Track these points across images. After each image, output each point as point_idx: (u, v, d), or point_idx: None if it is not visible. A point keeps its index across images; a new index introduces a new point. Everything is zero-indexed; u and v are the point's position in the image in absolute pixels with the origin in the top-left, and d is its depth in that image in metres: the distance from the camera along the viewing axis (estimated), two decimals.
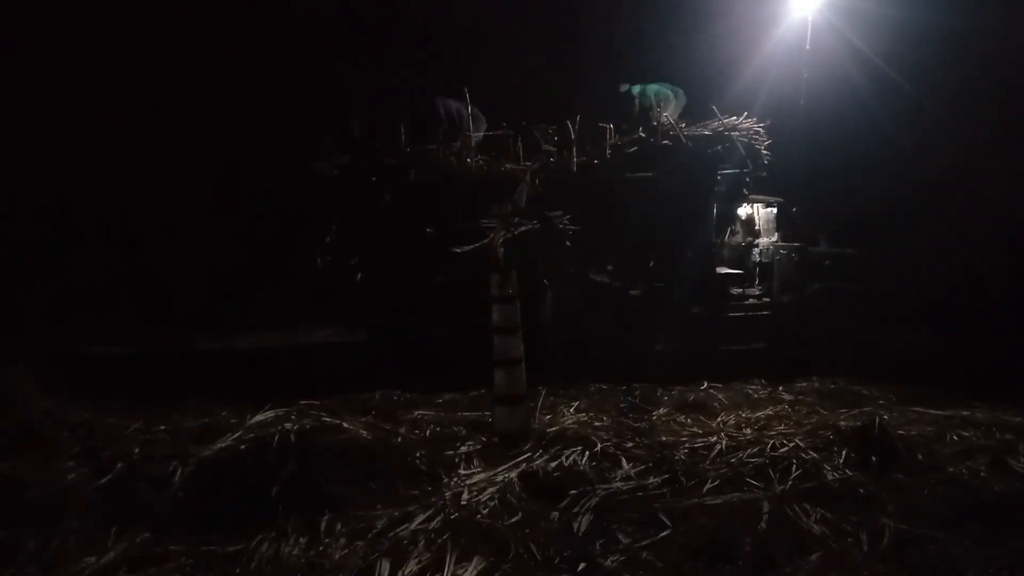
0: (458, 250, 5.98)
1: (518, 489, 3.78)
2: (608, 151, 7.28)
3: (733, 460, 4.22)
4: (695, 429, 5.19)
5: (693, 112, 8.22)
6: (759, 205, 8.54)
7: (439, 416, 5.42)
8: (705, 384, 6.74)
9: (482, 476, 3.97)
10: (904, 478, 3.95)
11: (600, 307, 7.32)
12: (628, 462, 4.22)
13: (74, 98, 11.25)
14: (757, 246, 8.36)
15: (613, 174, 7.30)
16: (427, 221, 6.95)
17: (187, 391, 6.07)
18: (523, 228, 6.40)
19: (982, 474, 4.03)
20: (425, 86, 7.54)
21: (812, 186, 9.42)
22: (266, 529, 3.17)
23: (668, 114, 7.93)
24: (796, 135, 9.51)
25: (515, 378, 5.32)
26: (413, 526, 3.25)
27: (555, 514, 3.46)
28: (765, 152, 7.73)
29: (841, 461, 4.13)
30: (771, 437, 4.64)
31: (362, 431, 4.19)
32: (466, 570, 2.85)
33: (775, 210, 8.53)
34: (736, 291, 8.13)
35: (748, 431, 5.01)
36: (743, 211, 8.49)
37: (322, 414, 4.34)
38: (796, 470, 3.97)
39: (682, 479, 3.93)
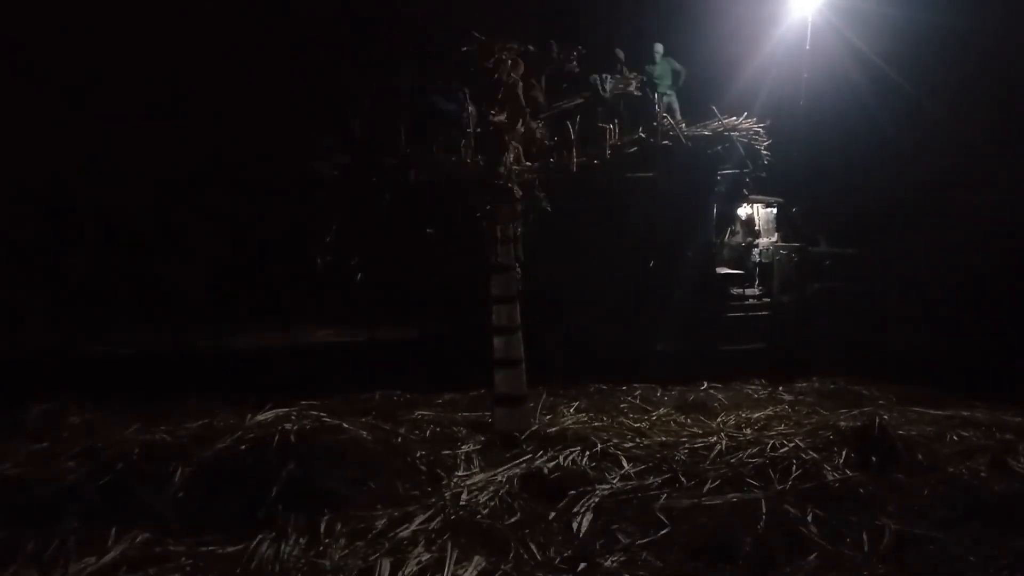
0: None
1: (518, 489, 3.78)
2: (608, 151, 7.29)
3: (733, 460, 4.22)
4: (695, 429, 5.19)
5: (693, 112, 8.22)
6: (759, 205, 8.54)
7: (439, 416, 5.42)
8: (705, 384, 6.74)
9: (482, 476, 3.97)
10: (904, 478, 3.95)
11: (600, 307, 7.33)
12: (628, 462, 4.22)
13: (74, 98, 11.25)
14: (757, 246, 8.36)
15: (613, 174, 7.30)
16: (427, 221, 6.96)
17: (187, 391, 6.07)
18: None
19: (982, 474, 4.03)
20: (425, 86, 7.54)
21: (812, 186, 9.43)
22: (266, 529, 3.17)
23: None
24: (796, 135, 9.51)
25: (515, 378, 5.32)
26: (413, 526, 3.25)
27: (555, 514, 3.46)
28: (765, 152, 7.74)
29: (841, 461, 4.13)
30: (771, 437, 4.64)
31: (362, 431, 4.18)
32: (466, 570, 2.84)
33: (775, 210, 8.53)
34: (736, 291, 8.13)
35: (748, 431, 5.01)
36: (743, 211, 8.49)
37: (322, 414, 4.33)
38: (796, 470, 3.96)
39: (682, 479, 3.93)
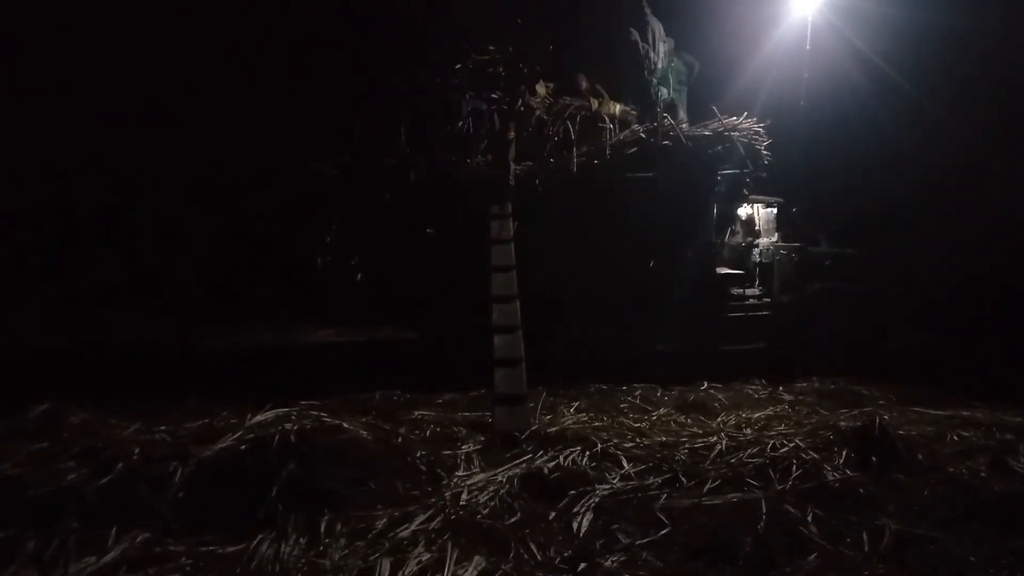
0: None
1: (518, 489, 3.78)
2: (608, 151, 7.29)
3: (733, 460, 4.21)
4: (695, 429, 5.19)
5: (693, 112, 8.22)
6: (759, 205, 8.54)
7: (439, 416, 5.42)
8: (705, 384, 6.74)
9: (482, 476, 3.97)
10: (904, 478, 3.94)
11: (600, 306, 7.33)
12: (628, 462, 4.22)
13: (74, 98, 11.25)
14: (757, 246, 8.36)
15: (613, 174, 7.30)
16: (427, 221, 6.96)
17: (187, 391, 6.08)
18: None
19: (982, 474, 4.03)
20: (426, 86, 7.54)
21: (812, 186, 9.42)
22: (266, 529, 3.17)
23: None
24: (796, 135, 9.51)
25: (515, 378, 5.32)
26: (413, 526, 3.25)
27: (555, 514, 3.46)
28: (765, 152, 7.73)
29: (841, 461, 4.12)
30: (771, 437, 4.63)
31: (362, 431, 4.18)
32: (466, 570, 2.84)
33: (775, 210, 8.53)
34: (736, 291, 8.13)
35: (748, 431, 5.01)
36: (743, 211, 8.49)
37: (322, 414, 4.33)
38: (796, 470, 3.96)
39: (682, 479, 3.93)
